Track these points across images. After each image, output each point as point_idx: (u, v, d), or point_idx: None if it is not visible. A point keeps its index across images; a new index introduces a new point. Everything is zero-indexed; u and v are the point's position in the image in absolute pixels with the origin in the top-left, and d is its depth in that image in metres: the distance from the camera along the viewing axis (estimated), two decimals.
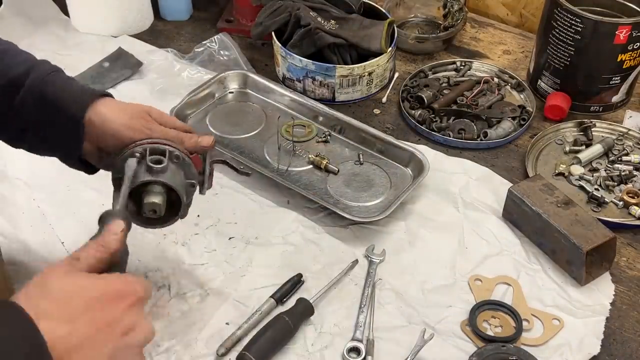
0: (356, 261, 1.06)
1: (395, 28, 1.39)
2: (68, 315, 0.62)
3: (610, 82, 1.30)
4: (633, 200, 1.15)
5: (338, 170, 1.20)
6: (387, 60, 1.36)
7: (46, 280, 0.65)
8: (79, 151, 0.90)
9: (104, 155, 0.92)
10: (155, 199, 0.84)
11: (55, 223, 1.10)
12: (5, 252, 1.04)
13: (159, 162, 0.84)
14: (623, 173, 1.20)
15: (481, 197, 1.17)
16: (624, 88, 1.32)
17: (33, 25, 1.50)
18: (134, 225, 0.82)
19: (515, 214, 1.11)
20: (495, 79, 1.40)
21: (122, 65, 1.41)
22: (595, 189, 1.17)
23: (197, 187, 0.91)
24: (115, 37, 1.49)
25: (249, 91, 1.36)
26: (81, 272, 0.67)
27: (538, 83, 1.38)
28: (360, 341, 0.96)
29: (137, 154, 0.85)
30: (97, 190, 1.11)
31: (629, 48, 1.24)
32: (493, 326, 0.98)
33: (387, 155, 1.23)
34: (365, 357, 0.94)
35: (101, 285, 0.66)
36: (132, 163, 0.84)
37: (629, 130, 1.28)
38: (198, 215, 1.11)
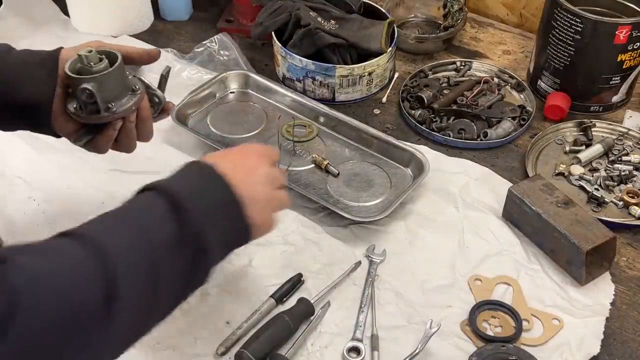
0: (359, 263, 1.06)
1: (395, 28, 1.39)
2: (219, 156, 0.86)
3: (610, 82, 1.30)
4: (633, 200, 1.15)
5: (338, 173, 1.20)
6: (387, 60, 1.36)
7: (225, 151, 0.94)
8: (51, 93, 0.92)
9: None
10: (87, 84, 0.90)
11: (55, 222, 1.10)
12: None
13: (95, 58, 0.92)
14: (623, 173, 1.20)
15: (481, 197, 1.17)
16: (624, 88, 1.32)
17: (33, 25, 1.50)
18: None
19: (515, 214, 1.11)
20: (495, 79, 1.40)
21: None
22: (595, 189, 1.17)
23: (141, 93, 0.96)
24: (115, 37, 1.49)
25: (250, 91, 1.36)
26: None
27: (538, 83, 1.38)
28: (361, 341, 0.96)
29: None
30: (97, 189, 1.11)
31: (629, 48, 1.24)
32: (493, 326, 0.98)
33: (387, 155, 1.23)
34: (372, 352, 0.94)
35: (241, 146, 0.96)
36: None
37: (629, 130, 1.28)
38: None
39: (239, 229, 0.80)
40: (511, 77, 1.41)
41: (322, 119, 1.30)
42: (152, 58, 1.01)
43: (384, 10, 1.44)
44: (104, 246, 0.67)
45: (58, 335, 0.62)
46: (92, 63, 0.90)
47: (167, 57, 1.43)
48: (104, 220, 0.73)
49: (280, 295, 1.01)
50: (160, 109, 1.00)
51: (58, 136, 0.97)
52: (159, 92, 1.00)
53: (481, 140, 1.27)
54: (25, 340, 0.60)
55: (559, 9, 1.26)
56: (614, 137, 1.28)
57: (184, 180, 0.79)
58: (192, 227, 0.73)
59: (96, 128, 0.94)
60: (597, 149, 1.24)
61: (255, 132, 1.28)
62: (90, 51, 0.90)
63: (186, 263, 0.74)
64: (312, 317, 0.98)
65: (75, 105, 0.92)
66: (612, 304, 1.02)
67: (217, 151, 0.98)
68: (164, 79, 1.01)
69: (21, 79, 0.91)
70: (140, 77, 0.97)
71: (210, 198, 0.77)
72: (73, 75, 0.90)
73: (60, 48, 0.95)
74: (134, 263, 0.68)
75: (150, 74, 1.07)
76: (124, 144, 0.97)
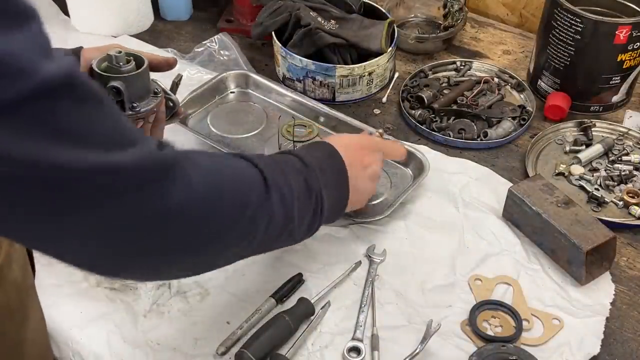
0: (359, 262, 1.06)
1: (395, 28, 1.39)
2: (341, 142, 0.98)
3: (610, 82, 1.30)
4: (633, 200, 1.15)
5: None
6: (387, 60, 1.36)
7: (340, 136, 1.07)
8: None
9: None
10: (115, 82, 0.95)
11: None
12: None
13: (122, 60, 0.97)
14: (623, 173, 1.20)
15: (481, 197, 1.17)
16: (624, 88, 1.32)
17: None
18: None
19: (516, 214, 1.11)
20: (495, 79, 1.40)
21: None
22: (595, 189, 1.17)
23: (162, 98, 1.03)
24: (115, 37, 1.50)
25: (250, 91, 1.36)
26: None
27: (538, 83, 1.38)
28: (361, 341, 0.96)
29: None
30: None
31: (629, 48, 1.24)
32: (493, 326, 0.98)
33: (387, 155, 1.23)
34: (372, 352, 0.94)
35: (359, 136, 1.08)
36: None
37: (629, 130, 1.28)
38: None
39: (342, 199, 0.95)
40: (511, 77, 1.41)
41: (322, 119, 1.30)
42: (170, 66, 1.08)
43: (384, 10, 1.44)
44: (262, 168, 0.80)
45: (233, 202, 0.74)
46: (121, 63, 0.95)
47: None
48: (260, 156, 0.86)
49: (280, 295, 1.01)
50: (173, 112, 1.06)
51: None
52: (174, 97, 1.05)
53: (481, 140, 1.27)
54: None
55: (559, 9, 1.26)
56: (614, 137, 1.28)
57: (315, 152, 0.93)
58: (315, 185, 0.88)
59: None
60: (597, 149, 1.24)
61: (255, 132, 1.28)
62: (120, 52, 0.95)
63: (309, 209, 0.87)
64: (312, 317, 0.98)
65: None
66: (612, 303, 1.02)
67: (341, 135, 1.11)
68: (175, 85, 1.07)
69: None
70: (157, 81, 1.02)
71: (331, 172, 0.92)
72: (101, 72, 0.94)
73: (81, 47, 0.99)
74: (282, 183, 0.82)
75: (163, 79, 1.09)
76: None
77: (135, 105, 0.97)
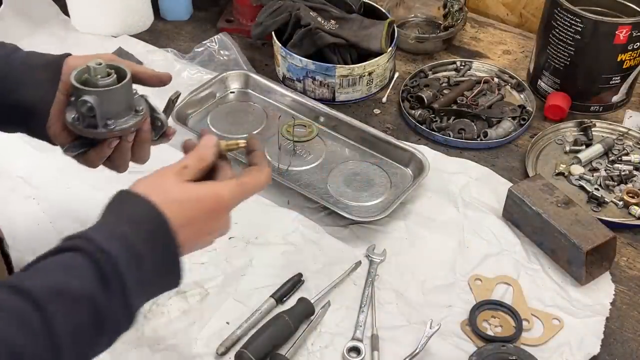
0: (359, 262, 1.06)
1: (395, 28, 1.39)
2: (184, 217, 0.75)
3: (610, 82, 1.30)
4: (633, 200, 1.15)
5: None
6: (387, 60, 1.36)
7: (164, 181, 0.77)
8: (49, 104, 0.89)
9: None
10: (88, 97, 0.86)
11: (55, 222, 1.10)
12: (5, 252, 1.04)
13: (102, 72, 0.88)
14: (623, 173, 1.20)
15: (481, 197, 1.17)
16: (624, 88, 1.32)
17: (33, 25, 1.50)
18: None
19: (516, 214, 1.11)
20: (495, 79, 1.40)
21: None
22: (595, 189, 1.17)
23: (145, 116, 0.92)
24: (115, 37, 1.50)
25: (250, 91, 1.36)
26: (189, 182, 0.78)
27: (538, 83, 1.38)
28: (361, 341, 0.96)
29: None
30: (97, 189, 1.10)
31: (629, 48, 1.24)
32: (493, 326, 0.98)
33: (387, 155, 1.23)
34: (372, 352, 0.94)
35: (208, 200, 0.79)
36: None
37: (629, 130, 1.28)
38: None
39: (169, 285, 0.77)
40: (511, 77, 1.41)
41: (322, 119, 1.30)
42: (161, 82, 0.98)
43: (384, 10, 1.44)
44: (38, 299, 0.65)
45: None
46: (99, 76, 0.87)
47: (167, 57, 1.43)
48: (34, 274, 0.69)
49: (280, 295, 1.01)
50: (161, 133, 0.97)
51: (54, 143, 0.94)
52: (162, 116, 0.96)
53: (481, 140, 1.27)
54: None
55: (559, 8, 1.26)
56: (614, 137, 1.28)
57: (125, 239, 0.71)
58: (120, 302, 0.69)
59: (91, 142, 0.91)
60: (597, 148, 1.24)
61: (255, 132, 1.28)
62: (100, 64, 0.87)
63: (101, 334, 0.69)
64: (312, 317, 0.98)
65: (74, 116, 0.88)
66: (612, 303, 1.02)
67: (186, 205, 0.77)
68: (171, 104, 0.99)
69: (22, 79, 0.90)
70: (147, 98, 0.94)
71: (149, 270, 0.71)
72: (77, 84, 0.87)
73: (68, 54, 0.92)
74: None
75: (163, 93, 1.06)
76: (116, 163, 0.94)
77: (109, 122, 0.88)
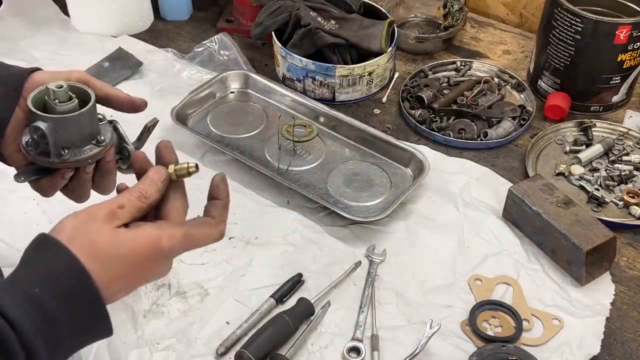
0: (359, 262, 1.06)
1: (395, 28, 1.39)
2: (112, 273, 0.68)
3: (610, 82, 1.30)
4: (633, 200, 1.15)
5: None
6: (387, 60, 1.36)
7: (92, 228, 0.68)
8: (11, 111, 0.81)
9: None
10: (41, 123, 0.77)
11: (55, 222, 1.10)
12: (5, 252, 1.04)
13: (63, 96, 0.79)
14: (623, 173, 1.20)
15: (481, 197, 1.17)
16: (624, 88, 1.32)
17: (33, 25, 1.50)
18: None
19: (516, 214, 1.11)
20: (495, 79, 1.40)
21: (122, 65, 1.41)
22: (596, 189, 1.17)
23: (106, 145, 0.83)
24: (115, 37, 1.49)
25: (250, 91, 1.36)
26: (122, 228, 0.70)
27: (538, 83, 1.38)
28: (361, 341, 0.96)
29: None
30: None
31: (629, 48, 1.24)
32: (493, 326, 0.98)
33: (387, 155, 1.23)
34: (372, 352, 0.94)
35: (144, 251, 0.69)
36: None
37: (629, 130, 1.28)
38: (198, 216, 1.11)
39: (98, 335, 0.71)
40: (511, 77, 1.40)
41: (322, 119, 1.30)
42: (133, 108, 0.89)
43: (384, 10, 1.44)
44: None
45: None
46: (57, 100, 0.78)
47: (167, 57, 1.43)
48: None
49: (280, 295, 1.01)
50: (129, 163, 0.87)
51: (8, 164, 0.86)
52: (130, 147, 0.87)
53: (481, 140, 1.27)
54: None
55: (559, 8, 1.26)
56: (614, 137, 1.28)
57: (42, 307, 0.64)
58: None
59: (45, 170, 0.82)
60: (597, 148, 1.24)
61: (255, 132, 1.28)
62: (61, 86, 0.78)
63: None
64: (312, 317, 0.98)
65: (27, 140, 0.80)
66: (612, 304, 1.02)
67: (124, 259, 0.70)
68: (146, 131, 0.90)
69: None
70: (117, 123, 0.86)
71: (68, 330, 0.65)
72: (32, 107, 0.77)
73: (36, 69, 0.84)
74: None
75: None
76: (74, 194, 0.86)
77: (64, 152, 0.79)
